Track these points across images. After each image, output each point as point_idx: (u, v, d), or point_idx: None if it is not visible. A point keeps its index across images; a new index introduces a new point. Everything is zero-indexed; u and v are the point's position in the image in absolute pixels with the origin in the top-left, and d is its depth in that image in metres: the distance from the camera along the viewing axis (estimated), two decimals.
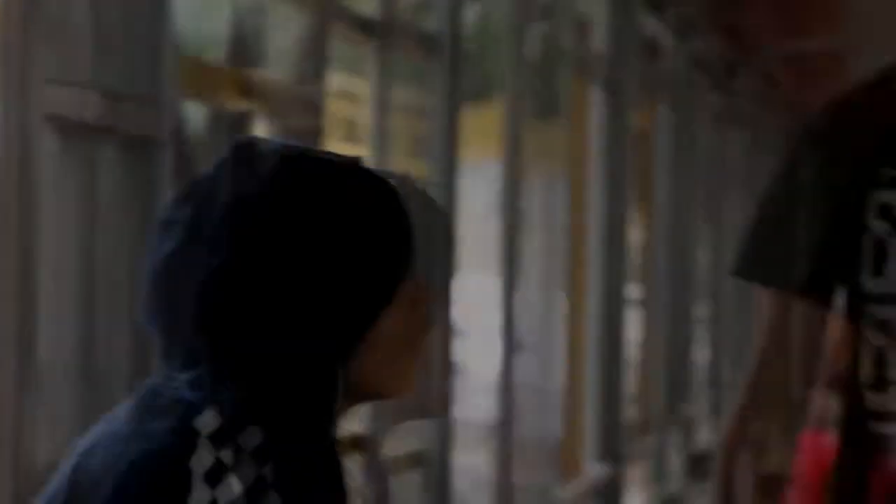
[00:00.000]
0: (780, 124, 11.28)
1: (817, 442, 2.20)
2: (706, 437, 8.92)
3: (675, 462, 8.52)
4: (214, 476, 1.00)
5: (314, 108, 3.25)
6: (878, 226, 1.97)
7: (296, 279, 1.03)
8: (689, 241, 8.21)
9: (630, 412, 7.12)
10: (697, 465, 8.30)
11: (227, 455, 1.01)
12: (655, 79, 7.26)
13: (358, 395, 1.16)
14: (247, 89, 3.18)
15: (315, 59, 3.34)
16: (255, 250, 1.02)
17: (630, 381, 7.10)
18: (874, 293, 1.98)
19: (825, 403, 2.15)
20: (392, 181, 1.11)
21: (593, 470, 6.60)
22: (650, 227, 7.53)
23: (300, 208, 1.04)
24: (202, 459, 1.00)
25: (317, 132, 3.23)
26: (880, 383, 1.96)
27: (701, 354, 9.05)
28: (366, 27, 3.86)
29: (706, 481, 7.42)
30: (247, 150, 1.07)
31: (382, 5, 3.92)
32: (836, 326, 2.03)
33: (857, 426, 1.99)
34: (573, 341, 6.06)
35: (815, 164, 2.02)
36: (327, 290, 1.04)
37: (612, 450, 6.69)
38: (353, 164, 1.09)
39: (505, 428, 5.10)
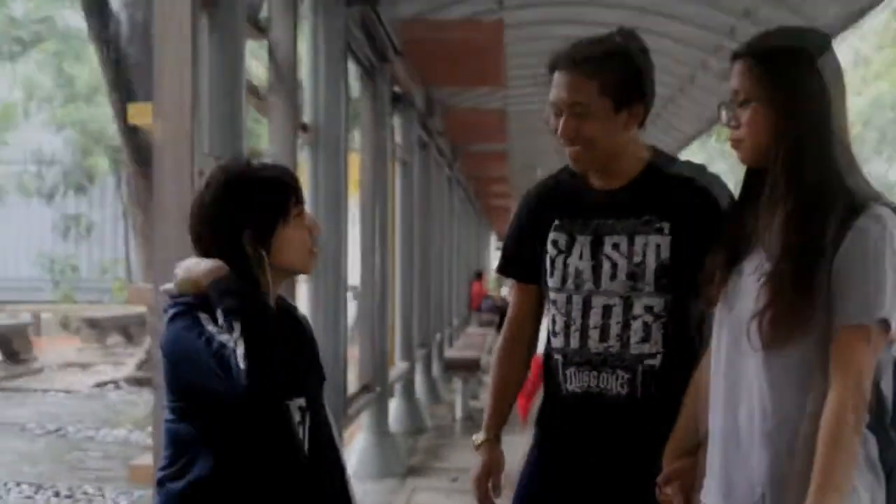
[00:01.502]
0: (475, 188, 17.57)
1: (536, 362, 2.86)
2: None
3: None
4: (202, 311, 2.20)
5: None
6: (550, 250, 2.70)
7: (229, 208, 2.24)
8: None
9: None
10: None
11: (201, 311, 2.20)
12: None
13: (282, 272, 2.32)
14: None
15: None
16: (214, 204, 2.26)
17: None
18: (549, 286, 2.70)
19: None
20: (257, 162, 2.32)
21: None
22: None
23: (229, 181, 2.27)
24: (203, 318, 2.19)
25: None
26: (555, 331, 2.69)
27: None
28: None
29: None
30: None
31: None
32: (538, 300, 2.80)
33: (547, 355, 2.73)
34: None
35: (525, 215, 2.79)
36: (248, 211, 2.24)
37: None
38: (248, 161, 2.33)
39: None
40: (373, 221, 8.01)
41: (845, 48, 29.38)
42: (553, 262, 2.71)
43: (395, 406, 9.64)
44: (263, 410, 2.23)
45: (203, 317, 2.21)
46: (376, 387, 7.95)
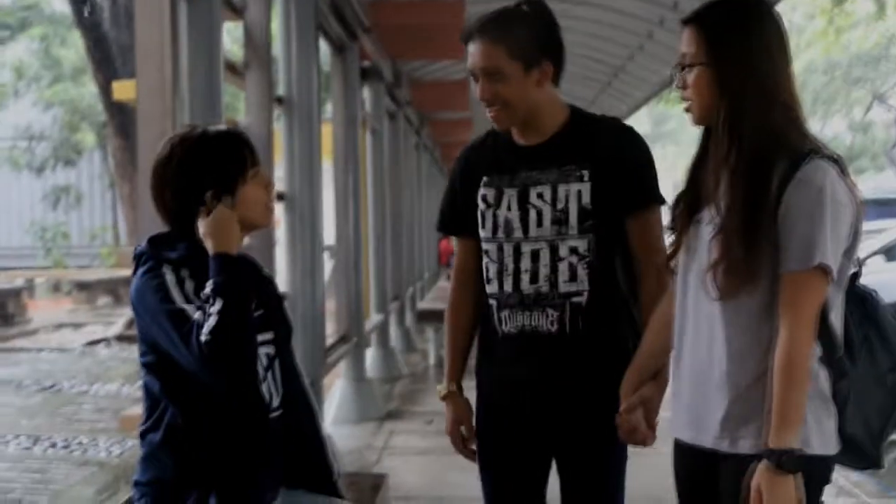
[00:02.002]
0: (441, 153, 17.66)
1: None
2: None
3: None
4: (170, 269, 2.24)
5: None
6: (481, 205, 2.76)
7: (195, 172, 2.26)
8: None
9: None
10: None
11: (170, 269, 2.23)
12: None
13: (243, 228, 2.28)
14: None
15: None
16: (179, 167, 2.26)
17: None
18: (482, 237, 2.76)
19: None
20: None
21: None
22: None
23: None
24: (165, 269, 2.24)
25: None
26: (488, 278, 2.75)
27: None
28: None
29: None
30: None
31: None
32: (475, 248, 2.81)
33: (485, 295, 2.78)
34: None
35: (459, 172, 2.84)
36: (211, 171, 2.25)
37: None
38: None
39: None
40: (346, 185, 8.02)
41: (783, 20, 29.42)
42: (483, 215, 2.76)
43: (371, 355, 9.67)
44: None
45: (167, 273, 2.23)
46: (353, 337, 7.99)
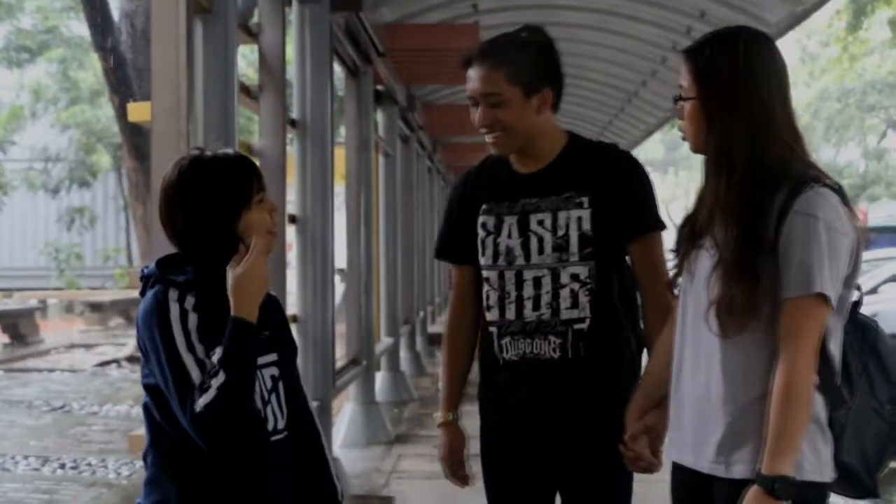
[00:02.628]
0: (455, 177, 17.64)
1: None
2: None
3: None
4: (176, 297, 2.20)
5: None
6: (480, 232, 2.75)
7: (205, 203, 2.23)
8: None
9: None
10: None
11: (175, 295, 2.20)
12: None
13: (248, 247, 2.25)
14: None
15: None
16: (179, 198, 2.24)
17: None
18: (482, 264, 2.74)
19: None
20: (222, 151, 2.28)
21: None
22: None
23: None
24: (171, 295, 2.21)
25: None
26: (489, 305, 2.74)
27: None
28: None
29: None
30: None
31: None
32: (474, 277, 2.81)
33: (482, 328, 2.80)
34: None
35: (457, 199, 2.83)
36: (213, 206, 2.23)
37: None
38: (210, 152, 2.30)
39: None
40: (357, 209, 8.05)
41: (793, 46, 29.53)
42: (484, 242, 2.76)
43: (381, 378, 9.66)
44: None
45: (172, 302, 2.22)
46: (363, 360, 7.98)
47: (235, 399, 2.15)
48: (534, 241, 2.70)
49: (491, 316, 2.76)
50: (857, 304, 2.26)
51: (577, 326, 2.67)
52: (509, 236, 2.73)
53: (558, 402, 2.70)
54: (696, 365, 2.29)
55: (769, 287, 2.15)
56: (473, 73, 2.67)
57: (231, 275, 2.24)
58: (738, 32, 2.30)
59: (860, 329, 2.26)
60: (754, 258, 2.15)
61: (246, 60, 12.28)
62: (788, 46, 20.47)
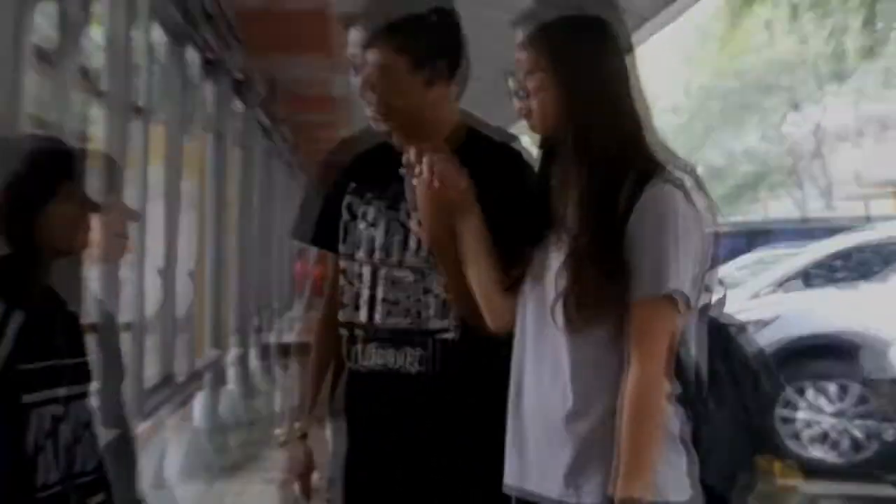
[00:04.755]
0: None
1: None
2: None
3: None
4: None
5: None
6: (344, 214, 2.68)
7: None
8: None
9: None
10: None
11: None
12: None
13: (49, 251, 2.21)
14: None
15: None
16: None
17: None
18: (341, 252, 2.67)
19: None
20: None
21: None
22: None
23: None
24: None
25: None
26: (343, 302, 2.66)
27: None
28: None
29: None
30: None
31: None
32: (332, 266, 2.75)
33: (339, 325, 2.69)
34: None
35: (324, 172, 2.78)
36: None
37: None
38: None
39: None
40: (175, 197, 7.89)
41: (690, 25, 30.34)
42: (346, 227, 2.69)
43: (202, 398, 9.44)
44: None
45: None
46: (179, 377, 7.85)
47: None
48: (400, 235, 2.63)
49: (343, 315, 2.69)
50: (721, 304, 2.35)
51: (441, 336, 2.60)
52: (373, 224, 2.66)
53: (421, 422, 2.62)
54: (539, 376, 2.30)
55: (619, 280, 2.20)
56: (353, 37, 2.63)
57: None
58: (585, 6, 2.34)
59: (714, 332, 2.34)
60: (611, 242, 2.20)
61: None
62: (682, 24, 20.90)
